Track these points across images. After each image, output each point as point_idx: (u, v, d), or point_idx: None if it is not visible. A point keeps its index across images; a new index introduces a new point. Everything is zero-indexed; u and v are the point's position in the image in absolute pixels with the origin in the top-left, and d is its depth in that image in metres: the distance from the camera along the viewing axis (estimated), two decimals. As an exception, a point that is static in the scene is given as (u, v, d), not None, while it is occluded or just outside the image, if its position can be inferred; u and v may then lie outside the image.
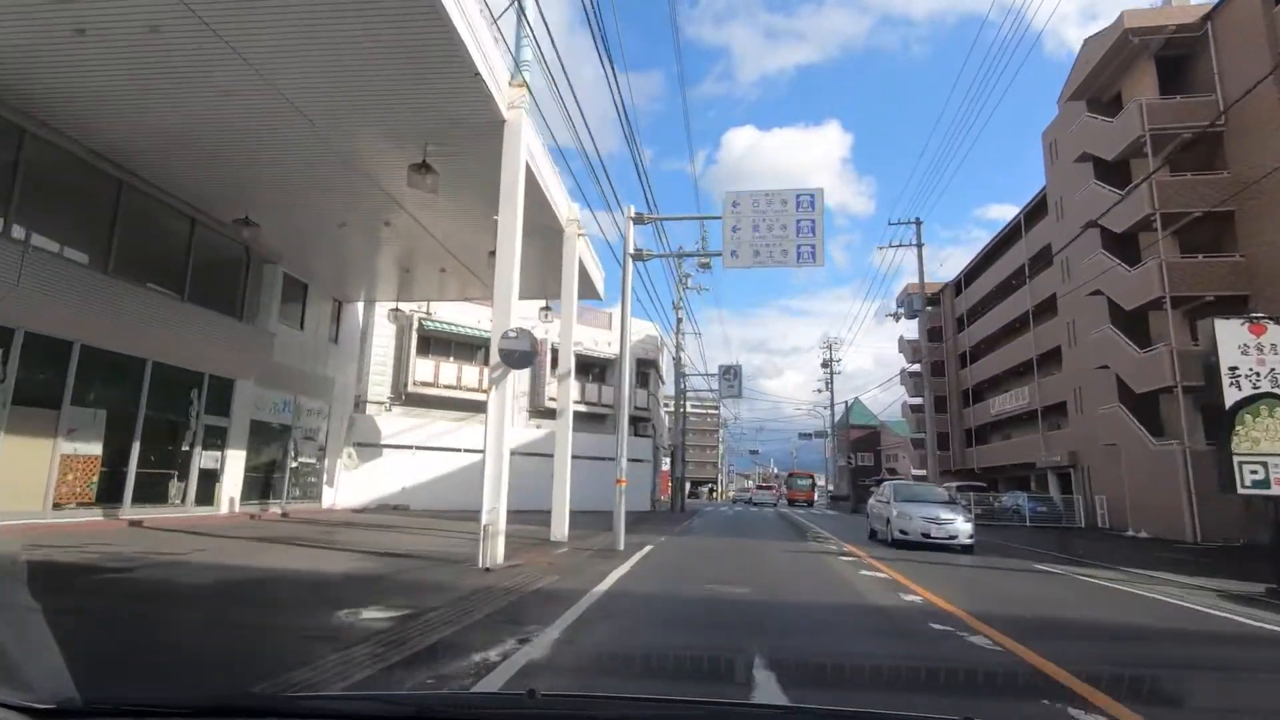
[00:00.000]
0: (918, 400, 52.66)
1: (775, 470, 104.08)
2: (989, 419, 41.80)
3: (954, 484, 30.07)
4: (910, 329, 62.22)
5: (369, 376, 23.45)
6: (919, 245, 29.84)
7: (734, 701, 2.77)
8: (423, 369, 24.01)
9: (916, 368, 52.49)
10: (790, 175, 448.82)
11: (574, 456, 27.43)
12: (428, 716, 1.63)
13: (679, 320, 33.46)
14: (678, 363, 32.08)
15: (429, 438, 23.43)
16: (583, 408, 28.25)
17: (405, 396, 23.83)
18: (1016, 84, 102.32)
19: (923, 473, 54.11)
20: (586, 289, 18.93)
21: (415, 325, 23.84)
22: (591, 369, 29.78)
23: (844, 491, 54.37)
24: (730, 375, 30.75)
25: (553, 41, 10.46)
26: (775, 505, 49.10)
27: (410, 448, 22.96)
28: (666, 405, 37.40)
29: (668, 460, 35.21)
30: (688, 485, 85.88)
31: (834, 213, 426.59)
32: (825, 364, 53.47)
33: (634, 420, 30.12)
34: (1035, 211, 36.03)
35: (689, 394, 33.66)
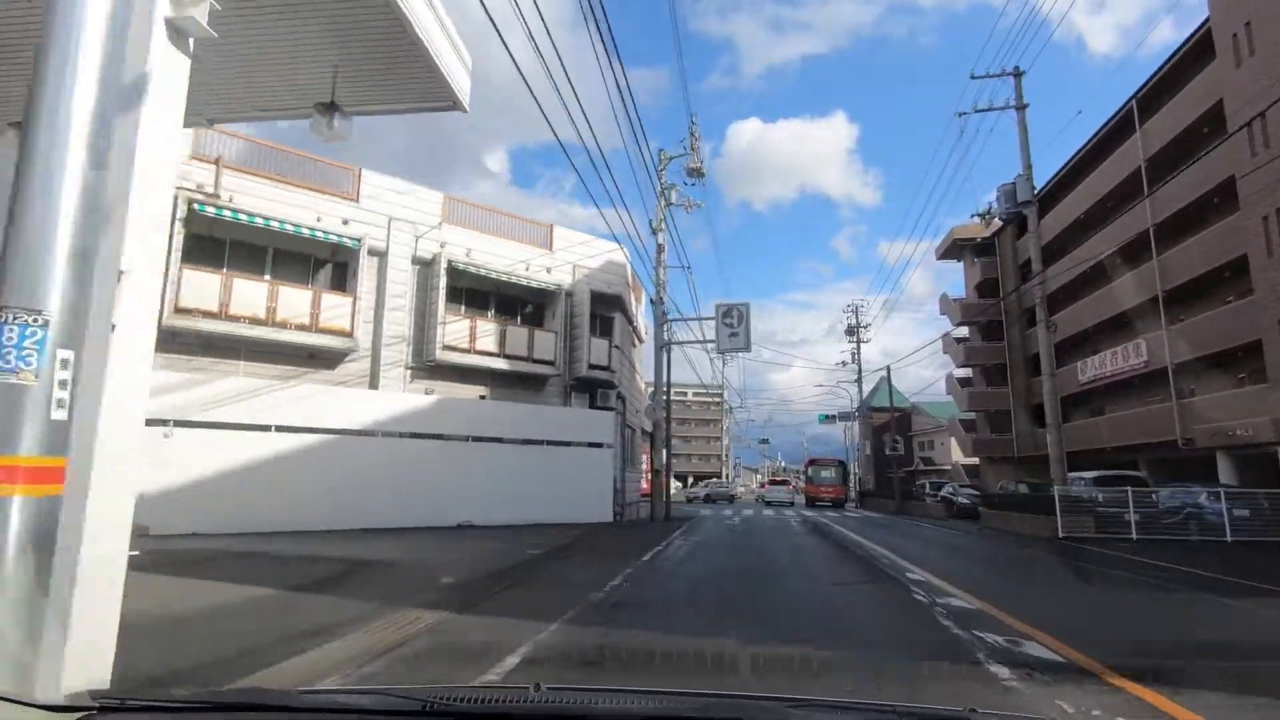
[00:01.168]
0: (966, 373, 41.95)
1: (783, 464, 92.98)
2: (1075, 389, 31.10)
3: (1089, 474, 19.34)
4: (955, 285, 50.38)
5: (90, 297, 12.91)
6: (1020, 106, 19.14)
7: (735, 693, 2.22)
8: (200, 288, 13.57)
9: (963, 332, 41.77)
10: (794, 168, 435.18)
11: (494, 439, 17.06)
12: (434, 710, 1.59)
13: (660, 249, 22.98)
14: (658, 304, 21.59)
15: (209, 404, 13.02)
16: (503, 364, 17.79)
17: (163, 333, 13.39)
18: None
19: (973, 461, 43.49)
20: (409, 63, 7.88)
21: (184, 212, 13.40)
22: (520, 305, 19.27)
23: (870, 485, 43.51)
24: (732, 319, 20.29)
25: None
26: (792, 504, 38.47)
27: (164, 423, 12.53)
28: (649, 387, 26.64)
29: (650, 448, 24.52)
30: (688, 480, 75.16)
31: (839, 205, 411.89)
32: (851, 330, 42.84)
33: (588, 384, 19.65)
34: (1152, 98, 25.45)
35: (675, 345, 23.12)
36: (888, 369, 33.98)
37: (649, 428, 23.09)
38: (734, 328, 20.32)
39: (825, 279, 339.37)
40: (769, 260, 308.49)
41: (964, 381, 40.62)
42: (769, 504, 38.26)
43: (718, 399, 78.24)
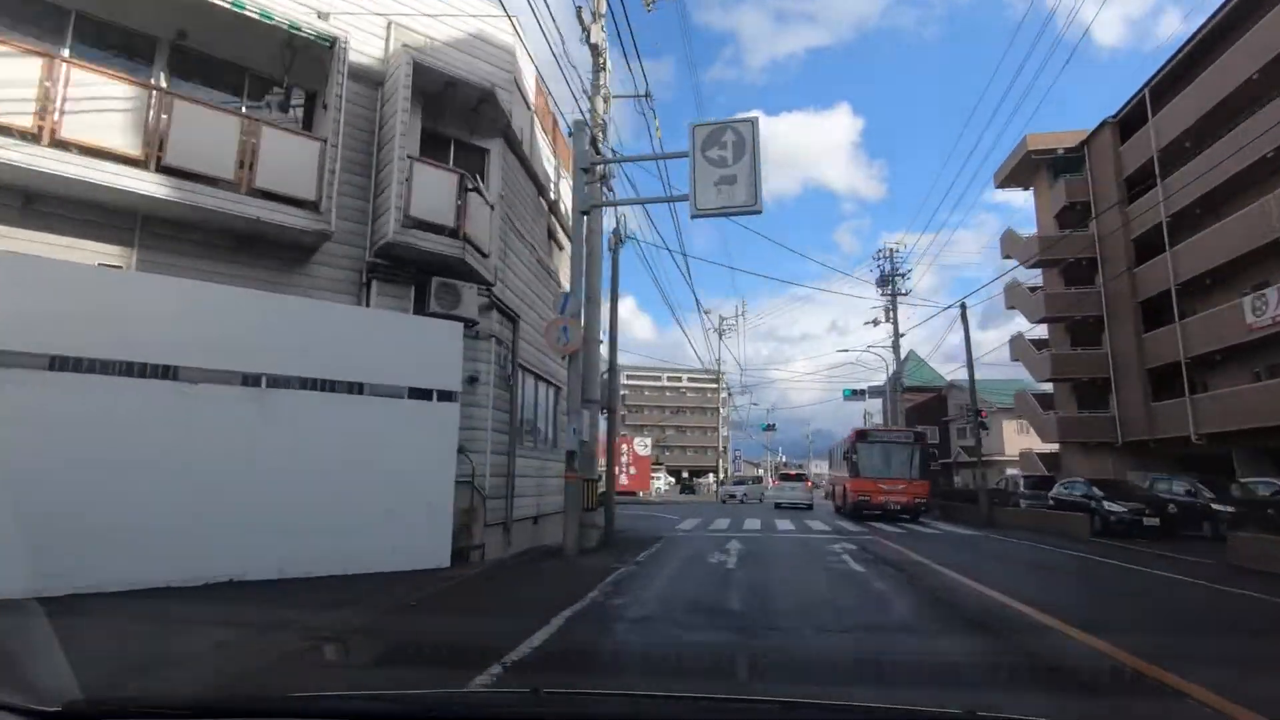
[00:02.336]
0: (1039, 332, 31.31)
1: (784, 459, 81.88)
2: (1230, 342, 20.51)
3: None
4: (1023, 217, 38.61)
5: None
6: None
7: (735, 697, 2.36)
8: None
9: (1036, 278, 31.08)
10: (797, 161, 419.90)
11: (136, 367, 6.65)
12: (434, 715, 1.55)
13: (598, 59, 12.60)
14: (580, 133, 11.04)
15: None
16: (164, 189, 7.22)
17: None
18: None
19: (1048, 448, 32.85)
20: None
21: None
22: (244, 79, 8.61)
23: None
24: (724, 148, 9.80)
25: None
26: (810, 507, 28.02)
27: None
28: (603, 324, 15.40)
29: (594, 413, 13.50)
30: (681, 475, 64.40)
31: (842, 198, 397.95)
32: (884, 280, 32.30)
33: (415, 267, 9.04)
34: None
35: (620, 223, 12.70)
36: (963, 305, 23.13)
37: (590, 383, 12.37)
38: (726, 164, 9.82)
39: (826, 272, 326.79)
40: (770, 254, 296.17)
41: (1039, 344, 29.99)
42: (779, 507, 27.83)
43: (713, 384, 67.65)
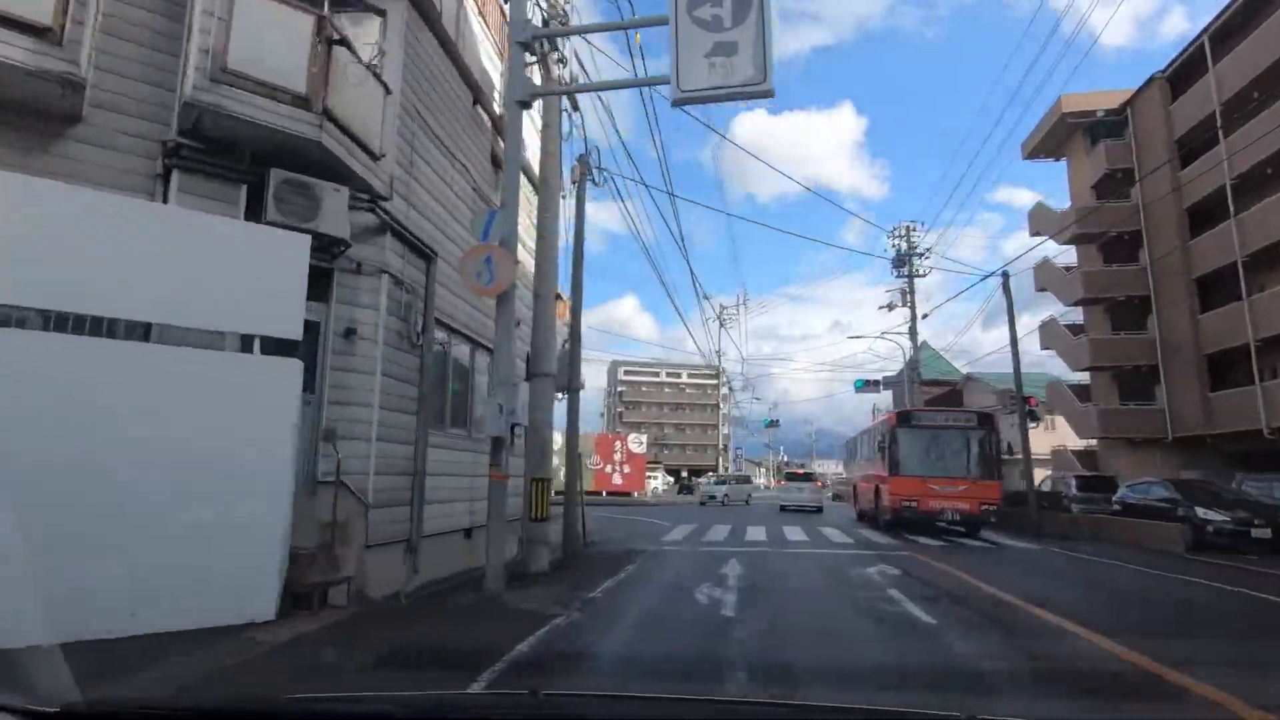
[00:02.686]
0: (1072, 319, 28.12)
1: (785, 459, 78.81)
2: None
3: None
4: (1055, 185, 34.74)
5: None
6: None
7: (735, 699, 2.39)
8: None
9: (1065, 256, 27.88)
10: (800, 160, 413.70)
11: None
12: (433, 717, 1.52)
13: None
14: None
15: None
16: None
17: None
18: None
19: (1086, 445, 29.73)
20: None
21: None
22: None
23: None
24: (716, 4, 6.78)
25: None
26: (820, 510, 24.86)
27: None
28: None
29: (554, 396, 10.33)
30: (679, 475, 61.38)
31: (844, 197, 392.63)
32: (900, 261, 29.17)
33: (248, 157, 5.91)
34: None
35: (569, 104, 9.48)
36: (1004, 275, 19.87)
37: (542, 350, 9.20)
38: (722, 26, 6.79)
39: (827, 271, 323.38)
40: (773, 253, 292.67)
41: (1074, 329, 26.84)
42: (785, 510, 24.75)
43: (713, 380, 64.63)
